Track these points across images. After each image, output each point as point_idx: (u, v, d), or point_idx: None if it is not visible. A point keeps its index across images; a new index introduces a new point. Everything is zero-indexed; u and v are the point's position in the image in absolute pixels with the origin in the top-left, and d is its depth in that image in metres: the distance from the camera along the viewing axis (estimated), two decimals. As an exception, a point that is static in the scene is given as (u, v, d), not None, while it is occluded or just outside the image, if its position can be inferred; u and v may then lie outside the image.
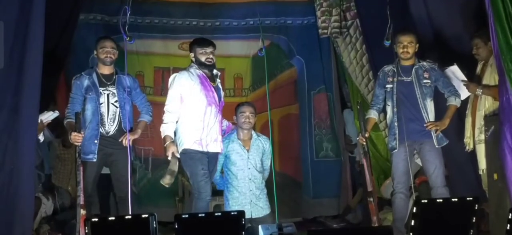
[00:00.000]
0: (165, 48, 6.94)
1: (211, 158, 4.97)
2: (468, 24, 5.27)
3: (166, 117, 4.89)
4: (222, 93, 5.13)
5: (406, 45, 5.07)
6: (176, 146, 4.88)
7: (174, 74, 5.01)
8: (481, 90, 5.01)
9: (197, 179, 4.84)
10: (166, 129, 4.89)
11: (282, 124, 7.19)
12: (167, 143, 4.86)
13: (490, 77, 5.02)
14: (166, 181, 5.08)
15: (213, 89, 4.95)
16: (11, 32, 4.34)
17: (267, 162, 5.43)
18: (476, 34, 5.07)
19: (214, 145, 4.95)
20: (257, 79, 7.07)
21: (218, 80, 5.07)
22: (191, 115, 4.89)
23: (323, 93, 7.17)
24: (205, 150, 4.88)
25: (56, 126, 5.61)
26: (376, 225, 4.79)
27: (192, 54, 5.02)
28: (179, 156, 4.89)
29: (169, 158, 4.91)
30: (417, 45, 5.11)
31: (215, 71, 5.04)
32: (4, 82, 4.34)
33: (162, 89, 6.93)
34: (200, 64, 4.95)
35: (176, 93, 4.91)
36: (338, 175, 7.12)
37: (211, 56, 4.95)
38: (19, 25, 4.36)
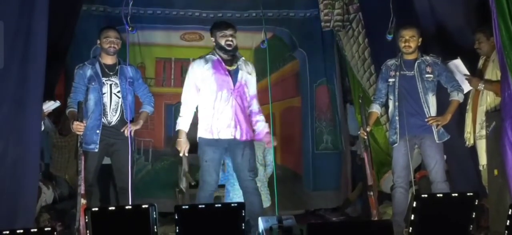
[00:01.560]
0: (167, 39, 6.93)
1: (233, 146, 4.83)
2: (471, 18, 5.26)
3: (181, 110, 4.87)
4: (243, 76, 4.90)
5: (408, 40, 5.05)
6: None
7: (192, 63, 4.97)
8: (483, 85, 5.00)
9: (201, 170, 4.84)
10: (180, 123, 4.86)
11: (284, 117, 7.19)
12: (179, 139, 4.84)
13: (492, 72, 5.02)
14: (184, 184, 5.04)
15: (227, 73, 4.83)
16: (13, 24, 4.36)
17: (270, 157, 5.43)
18: (479, 29, 5.06)
19: (227, 131, 4.80)
20: (259, 71, 7.04)
21: (239, 63, 4.90)
22: (204, 102, 4.83)
23: (324, 85, 7.16)
24: (216, 137, 4.79)
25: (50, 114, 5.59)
26: (376, 219, 4.80)
27: (213, 39, 4.91)
28: (187, 155, 4.89)
29: (181, 155, 4.92)
30: (420, 39, 5.10)
31: (238, 54, 4.92)
32: (6, 75, 4.37)
33: (163, 80, 6.94)
34: (220, 48, 4.83)
35: (190, 82, 4.85)
36: (338, 167, 7.11)
37: (231, 38, 4.80)
38: (22, 17, 4.39)
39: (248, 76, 4.94)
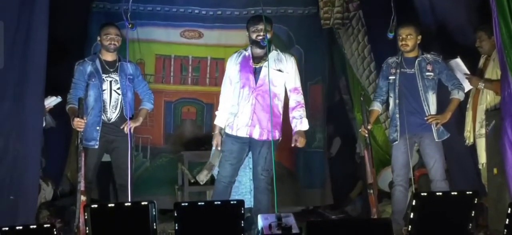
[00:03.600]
0: (167, 36, 6.91)
1: (253, 143, 4.83)
2: (472, 16, 5.27)
3: (219, 105, 4.96)
4: (268, 73, 4.71)
5: (405, 38, 5.05)
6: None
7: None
8: (483, 84, 5.01)
9: (221, 160, 4.87)
10: (216, 118, 4.95)
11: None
12: (214, 132, 4.92)
13: (493, 71, 5.03)
14: (201, 177, 5.00)
15: (252, 70, 4.82)
16: (14, 20, 4.37)
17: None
18: (480, 27, 5.07)
19: (244, 130, 4.80)
20: (257, 69, 7.04)
21: (266, 61, 4.73)
22: (231, 99, 4.88)
23: (319, 84, 7.14)
24: (235, 134, 4.82)
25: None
26: (375, 217, 4.80)
27: (247, 35, 4.89)
28: (219, 148, 4.88)
29: (213, 147, 4.93)
30: (419, 37, 5.09)
31: (273, 49, 4.84)
32: (7, 72, 4.39)
33: (163, 77, 6.93)
34: (253, 43, 4.81)
35: (225, 77, 4.95)
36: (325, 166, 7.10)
37: (262, 33, 4.73)
38: (22, 13, 4.40)
39: (278, 73, 4.81)
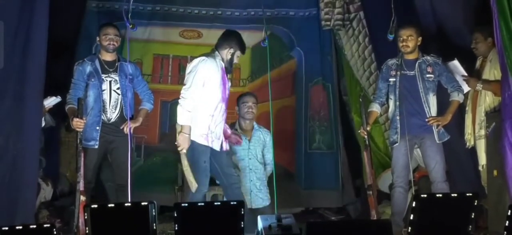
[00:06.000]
0: (166, 35, 6.90)
1: (216, 154, 4.84)
2: (471, 19, 5.28)
3: (186, 104, 4.64)
4: (228, 86, 4.96)
5: (405, 39, 5.06)
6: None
7: (200, 58, 4.76)
8: (481, 85, 5.03)
9: (198, 171, 4.70)
10: (187, 118, 4.64)
11: (279, 115, 7.15)
12: (185, 134, 4.64)
13: (490, 72, 5.06)
14: (193, 188, 4.89)
15: (226, 85, 4.86)
16: (14, 20, 4.37)
17: (269, 156, 5.43)
18: (477, 28, 5.09)
19: (217, 143, 4.80)
20: (255, 69, 7.04)
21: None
22: (204, 107, 4.72)
23: (320, 85, 7.13)
24: (210, 145, 4.76)
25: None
26: (375, 218, 4.80)
27: (218, 52, 4.88)
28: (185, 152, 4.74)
29: (183, 151, 4.70)
30: (420, 38, 5.10)
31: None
32: (7, 71, 4.39)
33: (160, 77, 6.91)
34: (228, 63, 4.88)
35: (199, 78, 4.67)
36: (330, 167, 7.06)
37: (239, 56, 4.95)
38: (23, 13, 4.40)
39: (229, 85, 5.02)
